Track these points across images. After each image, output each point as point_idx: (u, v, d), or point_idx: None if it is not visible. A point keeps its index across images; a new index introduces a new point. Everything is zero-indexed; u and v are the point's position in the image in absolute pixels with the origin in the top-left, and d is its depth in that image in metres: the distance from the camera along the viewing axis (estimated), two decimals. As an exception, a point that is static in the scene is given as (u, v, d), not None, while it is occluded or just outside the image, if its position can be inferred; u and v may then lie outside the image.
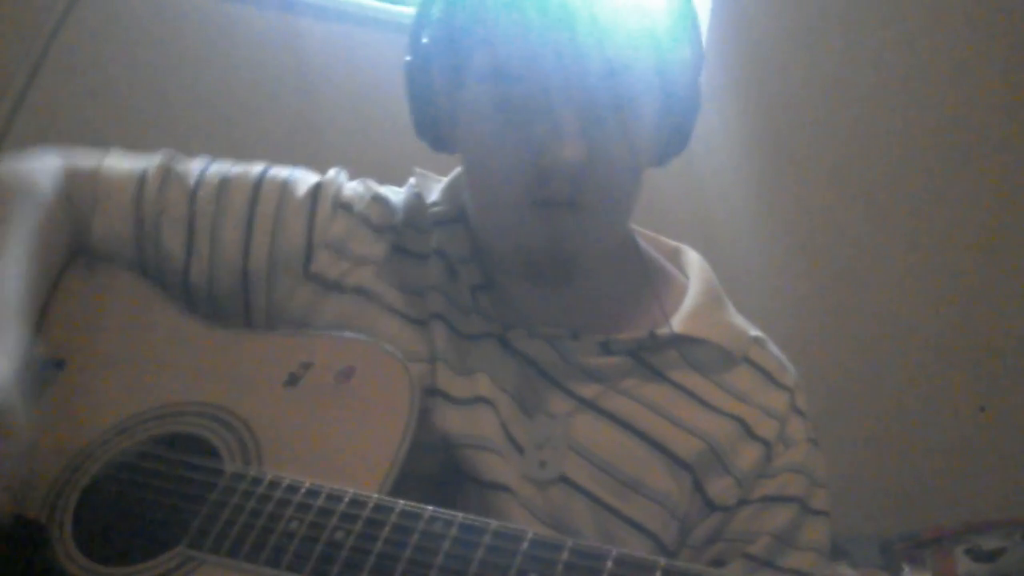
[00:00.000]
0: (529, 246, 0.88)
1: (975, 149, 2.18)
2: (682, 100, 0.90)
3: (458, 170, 0.98)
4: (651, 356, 0.93)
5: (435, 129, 0.93)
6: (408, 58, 0.92)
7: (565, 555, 0.67)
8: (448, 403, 0.89)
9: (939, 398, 2.19)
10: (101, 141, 1.92)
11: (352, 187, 1.01)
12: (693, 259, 1.02)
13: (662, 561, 0.65)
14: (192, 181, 0.99)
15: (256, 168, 1.01)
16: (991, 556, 1.91)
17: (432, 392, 0.90)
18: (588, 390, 0.91)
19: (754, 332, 0.98)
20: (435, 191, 0.99)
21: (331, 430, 0.81)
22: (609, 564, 0.66)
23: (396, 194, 1.02)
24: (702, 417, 0.91)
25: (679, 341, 0.93)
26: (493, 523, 0.70)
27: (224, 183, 0.99)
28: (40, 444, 0.79)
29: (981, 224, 2.20)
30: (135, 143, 2.01)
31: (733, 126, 2.09)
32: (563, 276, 0.91)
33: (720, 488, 0.90)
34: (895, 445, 2.20)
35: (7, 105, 1.66)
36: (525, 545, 0.68)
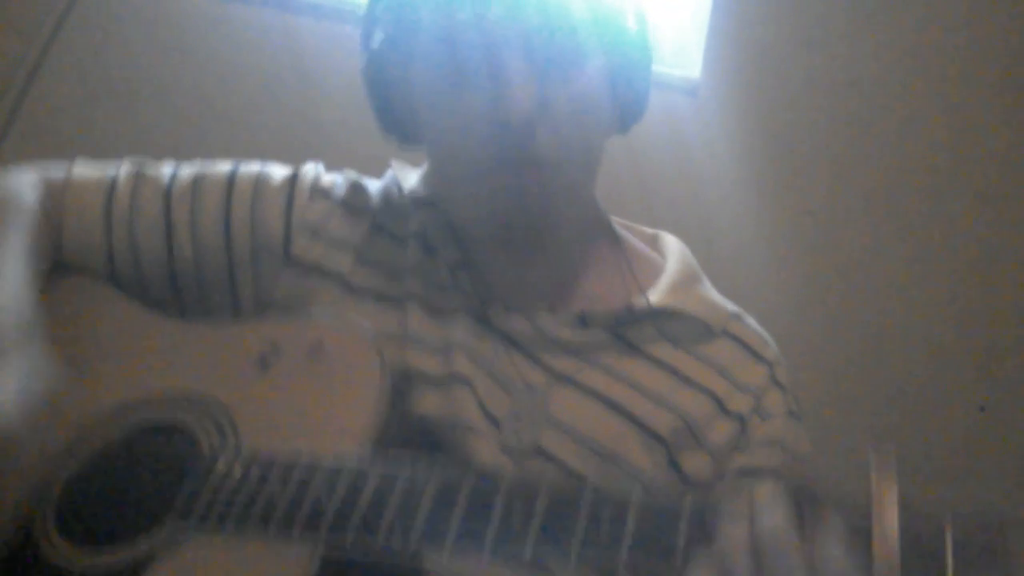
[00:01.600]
0: (499, 211, 0.89)
1: (976, 148, 2.18)
2: (632, 58, 0.93)
3: None
4: (628, 331, 0.94)
5: (399, 122, 0.96)
6: (363, 59, 0.95)
7: (544, 489, 0.69)
8: (426, 383, 0.90)
9: (939, 398, 2.19)
10: (101, 141, 1.93)
11: (329, 176, 1.03)
12: (671, 241, 1.05)
13: (636, 488, 0.68)
14: (165, 182, 1.00)
15: (228, 164, 1.02)
16: (991, 556, 1.90)
17: (409, 373, 0.90)
18: (564, 364, 0.92)
19: (732, 308, 0.99)
20: (412, 178, 1.01)
21: (306, 403, 0.83)
22: (587, 495, 0.68)
23: (374, 184, 1.04)
24: (678, 392, 0.92)
25: (656, 315, 0.94)
26: (474, 469, 0.73)
27: (198, 180, 1.00)
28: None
29: (981, 224, 2.19)
30: (135, 143, 2.01)
31: (733, 126, 2.09)
32: (535, 241, 0.93)
33: (695, 463, 0.91)
34: (894, 445, 2.20)
35: (7, 105, 1.66)
36: (505, 485, 0.70)
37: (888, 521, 0.61)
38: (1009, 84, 2.16)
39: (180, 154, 1.95)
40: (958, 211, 2.19)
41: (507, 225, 0.91)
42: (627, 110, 0.96)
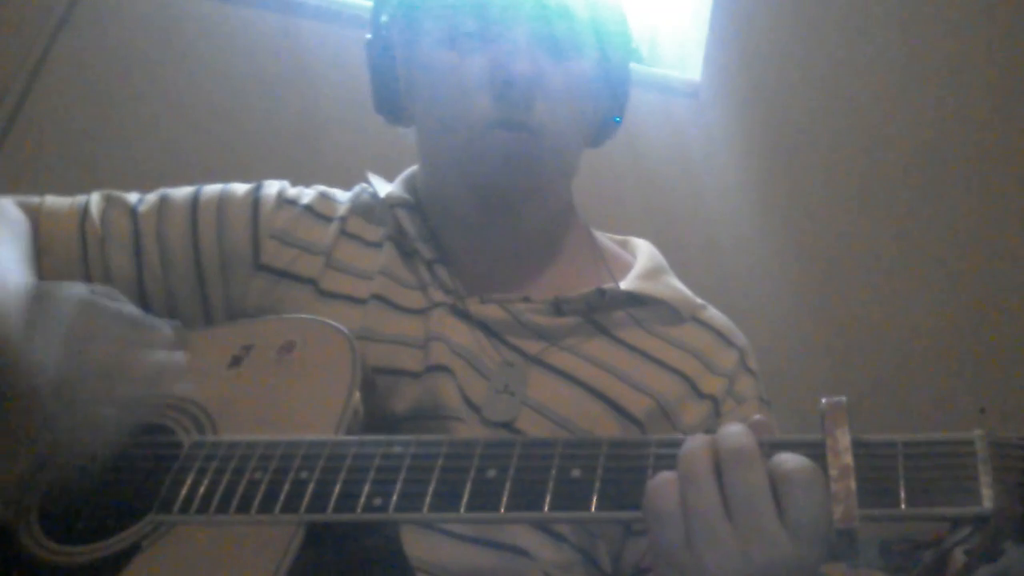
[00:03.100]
0: (484, 173, 0.92)
1: (974, 149, 2.18)
2: (618, 66, 0.99)
3: (411, 169, 1.04)
4: (600, 316, 0.96)
5: (394, 97, 1.00)
6: (368, 36, 1.00)
7: (518, 449, 0.70)
8: (406, 379, 0.92)
9: (939, 399, 2.19)
10: (101, 141, 1.92)
11: (297, 188, 1.06)
12: (640, 243, 1.08)
13: (605, 437, 0.70)
14: (133, 201, 1.02)
15: (193, 186, 1.05)
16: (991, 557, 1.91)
17: (388, 371, 0.92)
18: (538, 348, 0.94)
19: (700, 300, 1.02)
20: (387, 188, 1.03)
21: (280, 397, 0.84)
22: (559, 448, 0.69)
23: (342, 194, 1.06)
24: (651, 374, 0.94)
25: (627, 301, 0.97)
26: (447, 437, 0.75)
27: (164, 197, 1.03)
28: None
29: (981, 225, 2.20)
30: (135, 143, 2.01)
31: (734, 127, 2.09)
32: (512, 221, 0.97)
33: None
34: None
35: (7, 105, 1.66)
36: (479, 448, 0.71)
37: (841, 443, 0.63)
38: (1006, 84, 2.17)
39: (179, 154, 1.95)
40: (957, 212, 2.20)
41: (493, 188, 0.93)
42: (606, 118, 1.01)
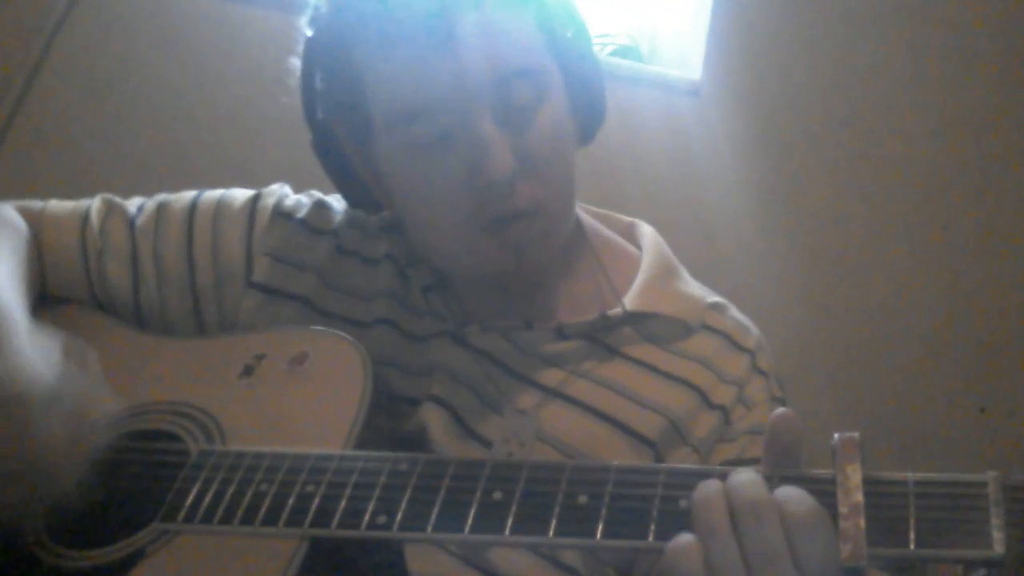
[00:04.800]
0: (493, 267, 0.89)
1: (974, 148, 2.18)
2: (584, 75, 0.92)
3: None
4: (606, 336, 0.94)
5: (367, 195, 0.94)
6: (312, 137, 0.93)
7: (525, 472, 0.70)
8: (405, 405, 0.91)
9: (939, 399, 2.19)
10: (101, 141, 1.92)
11: (295, 197, 1.02)
12: (647, 232, 1.04)
13: (614, 463, 0.70)
14: (132, 211, 1.01)
15: (193, 191, 1.02)
16: (991, 557, 1.90)
17: (388, 396, 0.90)
18: (550, 378, 0.92)
19: (712, 299, 0.99)
20: None
21: (290, 408, 0.84)
22: (566, 472, 0.69)
23: (340, 202, 1.02)
24: (662, 390, 0.92)
25: (632, 318, 0.94)
26: (455, 457, 0.74)
27: (161, 208, 1.00)
28: None
29: (981, 224, 2.19)
30: (135, 143, 2.01)
31: (734, 126, 2.09)
32: (529, 279, 0.94)
33: (679, 459, 0.91)
34: (894, 446, 2.20)
35: (7, 105, 1.66)
36: (487, 470, 0.71)
37: (852, 480, 0.62)
38: (1008, 83, 2.16)
39: (180, 154, 1.95)
40: (957, 211, 2.19)
41: (504, 274, 0.91)
42: (588, 119, 0.95)
